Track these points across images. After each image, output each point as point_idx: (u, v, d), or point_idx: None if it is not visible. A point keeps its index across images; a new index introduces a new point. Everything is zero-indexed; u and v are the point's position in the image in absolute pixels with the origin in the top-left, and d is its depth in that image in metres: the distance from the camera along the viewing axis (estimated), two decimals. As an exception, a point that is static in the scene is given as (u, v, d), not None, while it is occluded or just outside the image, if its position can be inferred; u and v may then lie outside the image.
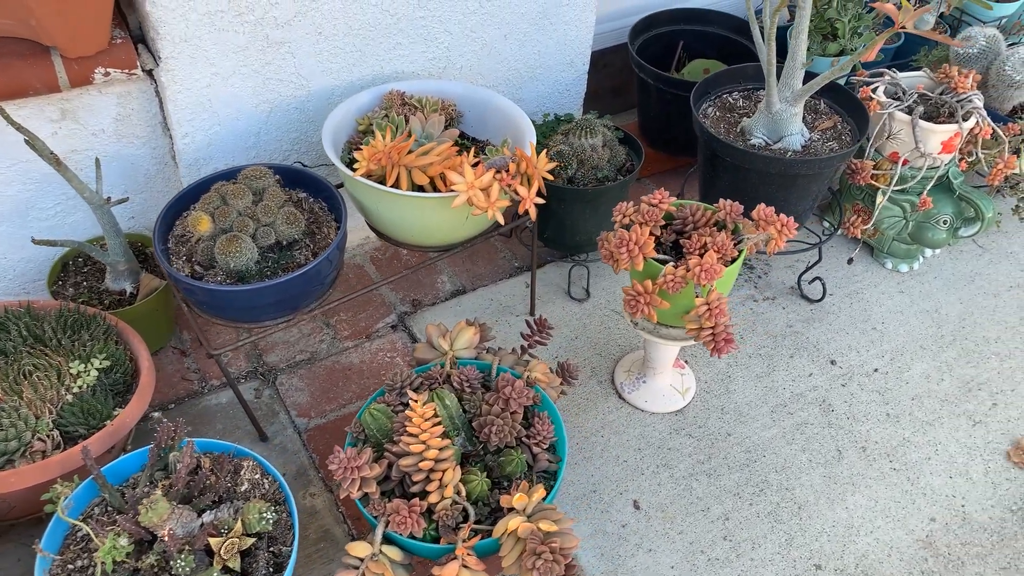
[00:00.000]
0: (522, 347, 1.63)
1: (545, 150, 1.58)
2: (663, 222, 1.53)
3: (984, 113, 1.84)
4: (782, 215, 1.46)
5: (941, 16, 2.44)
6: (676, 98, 2.05)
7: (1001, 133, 1.88)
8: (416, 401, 1.30)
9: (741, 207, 1.53)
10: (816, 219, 2.09)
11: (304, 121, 1.79)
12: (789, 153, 1.76)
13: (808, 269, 1.97)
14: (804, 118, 1.87)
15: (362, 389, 1.76)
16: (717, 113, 1.88)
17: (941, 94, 1.92)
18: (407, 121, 1.65)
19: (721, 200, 1.55)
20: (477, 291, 1.97)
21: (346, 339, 1.86)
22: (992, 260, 2.08)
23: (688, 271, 1.41)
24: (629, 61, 2.18)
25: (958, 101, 1.88)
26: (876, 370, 1.82)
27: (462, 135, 1.80)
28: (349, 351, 1.83)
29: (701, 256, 1.47)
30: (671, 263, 1.47)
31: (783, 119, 1.76)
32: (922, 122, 1.82)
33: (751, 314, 1.93)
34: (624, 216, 1.52)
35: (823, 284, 1.95)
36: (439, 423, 1.31)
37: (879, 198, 1.90)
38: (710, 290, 1.42)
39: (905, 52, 2.28)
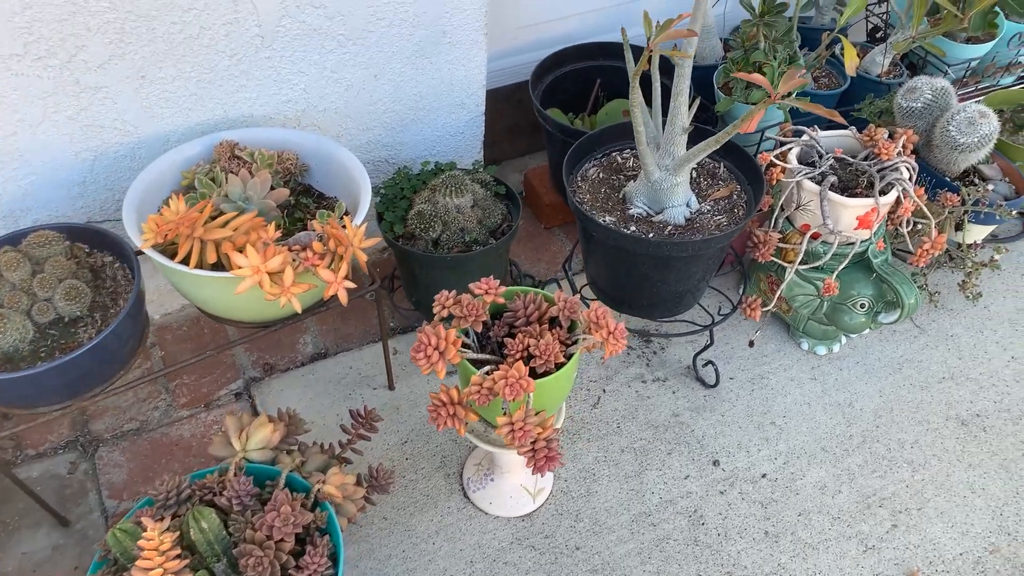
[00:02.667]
0: (340, 443, 1.45)
1: (364, 224, 1.39)
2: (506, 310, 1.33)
3: (909, 186, 1.60)
4: (611, 321, 1.25)
5: (903, 57, 2.17)
6: (574, 148, 1.83)
7: (926, 210, 1.63)
8: (150, 528, 1.13)
9: (578, 302, 1.33)
10: (734, 286, 1.87)
11: (138, 169, 1.62)
12: (669, 228, 1.54)
13: (702, 351, 1.75)
14: (699, 183, 1.64)
15: (185, 469, 1.60)
16: (601, 174, 1.66)
17: (865, 159, 1.67)
18: (227, 179, 1.47)
19: (557, 292, 1.34)
20: (339, 356, 1.79)
21: (183, 407, 1.70)
22: (928, 344, 1.83)
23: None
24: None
25: (880, 170, 1.63)
26: (764, 476, 1.60)
27: (309, 192, 1.62)
28: (182, 422, 1.67)
29: (526, 360, 1.28)
30: (488, 368, 1.27)
31: (663, 189, 1.54)
32: (831, 194, 1.58)
33: (635, 398, 1.72)
34: (444, 308, 1.32)
35: (716, 370, 1.73)
36: (179, 555, 1.14)
37: (787, 275, 1.66)
38: (520, 406, 1.22)
39: (850, 98, 2.03)
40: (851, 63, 1.88)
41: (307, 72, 1.65)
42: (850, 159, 1.66)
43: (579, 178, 1.64)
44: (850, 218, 1.60)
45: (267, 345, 1.81)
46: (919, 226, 1.76)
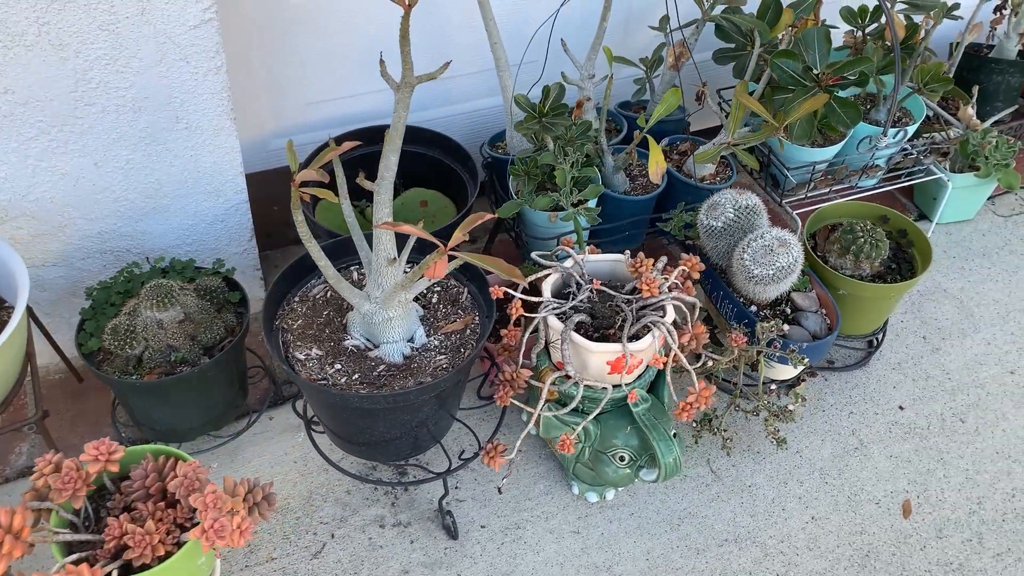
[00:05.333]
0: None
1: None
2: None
3: (670, 330, 1.37)
4: (234, 507, 1.04)
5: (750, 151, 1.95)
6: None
7: (685, 363, 1.40)
8: None
9: (203, 478, 1.12)
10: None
11: None
12: (381, 367, 1.33)
13: (444, 496, 1.53)
14: (438, 311, 1.43)
15: None
16: (330, 294, 1.45)
17: (632, 292, 1.45)
18: None
19: (184, 464, 1.13)
20: (49, 473, 1.58)
21: None
22: (721, 495, 1.61)
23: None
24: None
25: (641, 308, 1.42)
26: (484, 658, 1.38)
27: (-14, 298, 1.42)
28: None
29: (116, 555, 1.07)
30: (77, 557, 1.06)
31: (376, 323, 1.33)
32: (574, 336, 1.37)
33: (367, 547, 1.50)
34: (42, 476, 1.12)
35: (453, 523, 1.51)
36: None
37: (531, 417, 1.44)
38: (87, 615, 1.01)
39: (668, 203, 1.81)
40: (654, 168, 1.67)
41: (5, 160, 1.45)
42: (611, 292, 1.44)
43: (298, 300, 1.43)
44: (599, 362, 1.38)
45: (-27, 455, 1.61)
46: (709, 363, 1.54)
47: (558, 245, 1.73)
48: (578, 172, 1.65)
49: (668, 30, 1.85)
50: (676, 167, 1.84)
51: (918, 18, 1.91)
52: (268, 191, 1.87)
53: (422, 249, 1.45)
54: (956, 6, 1.86)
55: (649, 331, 1.38)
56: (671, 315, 1.40)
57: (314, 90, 1.82)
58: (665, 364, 1.39)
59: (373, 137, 1.83)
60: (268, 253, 2.01)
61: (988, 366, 1.84)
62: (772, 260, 1.50)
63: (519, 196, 1.67)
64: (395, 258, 1.27)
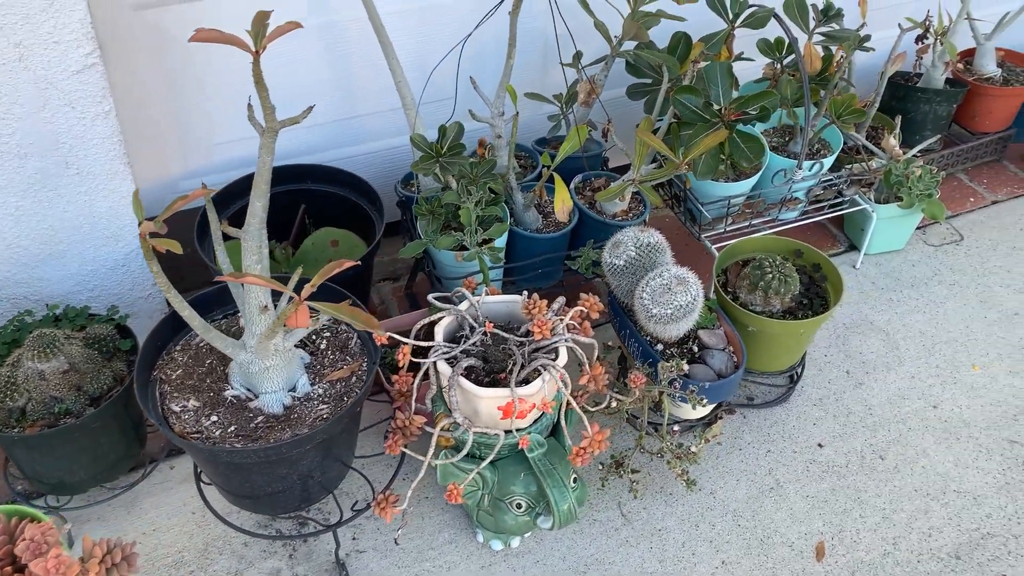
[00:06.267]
0: None
1: None
2: None
3: (559, 373, 1.34)
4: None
5: (669, 185, 1.94)
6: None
7: (576, 407, 1.37)
8: None
9: (51, 541, 1.07)
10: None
11: None
12: (260, 418, 1.29)
13: (337, 549, 1.48)
14: (326, 357, 1.40)
15: None
16: (208, 345, 1.42)
17: (527, 334, 1.42)
18: None
19: (34, 526, 1.09)
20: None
21: None
22: (630, 539, 1.57)
23: None
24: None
25: (534, 350, 1.38)
26: None
27: None
28: None
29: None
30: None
31: (253, 372, 1.29)
32: (462, 381, 1.33)
33: (259, 602, 1.45)
34: None
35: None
36: None
37: (436, 459, 1.41)
38: None
39: (582, 240, 1.78)
40: (560, 207, 1.65)
41: None
42: (504, 334, 1.40)
43: (179, 348, 1.40)
44: (490, 408, 1.35)
45: None
46: (613, 403, 1.51)
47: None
48: (482, 211, 1.62)
49: (580, 66, 1.84)
50: (589, 203, 1.81)
51: (836, 49, 1.91)
52: (177, 234, 1.83)
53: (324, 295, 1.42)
54: (867, 38, 1.85)
55: (540, 375, 1.34)
56: (564, 358, 1.37)
57: (222, 130, 1.80)
58: (551, 408, 1.36)
59: (296, 175, 1.82)
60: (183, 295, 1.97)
61: (911, 400, 1.81)
62: (670, 299, 1.47)
63: (425, 235, 1.65)
64: (266, 306, 1.24)
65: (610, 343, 1.65)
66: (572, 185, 1.83)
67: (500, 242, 1.66)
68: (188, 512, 1.57)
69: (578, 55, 1.86)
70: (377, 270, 2.05)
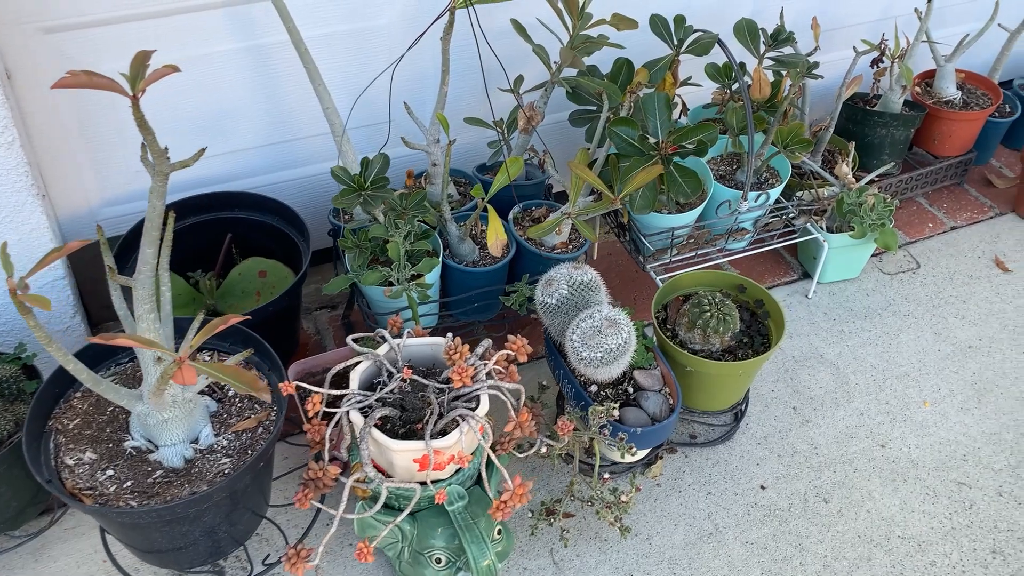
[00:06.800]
0: None
1: None
2: None
3: (479, 424, 1.28)
4: None
5: (613, 214, 1.88)
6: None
7: (494, 459, 1.31)
8: None
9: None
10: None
11: None
12: (159, 472, 1.23)
13: (249, 604, 1.42)
14: (233, 406, 1.33)
15: None
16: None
17: (447, 381, 1.36)
18: None
19: None
20: None
21: None
22: (561, 589, 1.51)
23: None
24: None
25: (454, 399, 1.32)
26: None
27: None
28: None
29: None
30: None
31: (152, 425, 1.22)
32: (375, 433, 1.27)
33: (167, 658, 1.38)
34: None
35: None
36: None
37: (352, 511, 1.34)
38: None
39: (519, 275, 1.72)
40: (493, 240, 1.59)
41: None
42: (424, 381, 1.34)
43: (79, 395, 1.33)
44: (404, 460, 1.28)
45: None
46: (543, 450, 1.45)
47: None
48: (411, 245, 1.56)
49: (519, 93, 1.78)
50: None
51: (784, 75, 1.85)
52: (100, 263, 1.76)
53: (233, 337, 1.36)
54: (816, 65, 1.79)
55: (459, 425, 1.28)
56: (485, 407, 1.31)
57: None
58: (467, 463, 1.30)
59: (225, 202, 1.75)
60: (111, 324, 1.90)
61: (859, 439, 1.76)
62: (600, 342, 1.41)
63: (351, 270, 1.58)
64: (160, 356, 1.17)
65: (544, 382, 1.59)
66: (511, 215, 1.77)
67: (431, 277, 1.60)
68: (99, 560, 1.50)
69: (518, 80, 1.80)
70: (314, 297, 1.98)
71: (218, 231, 1.75)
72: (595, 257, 2.07)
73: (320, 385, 1.32)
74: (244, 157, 1.80)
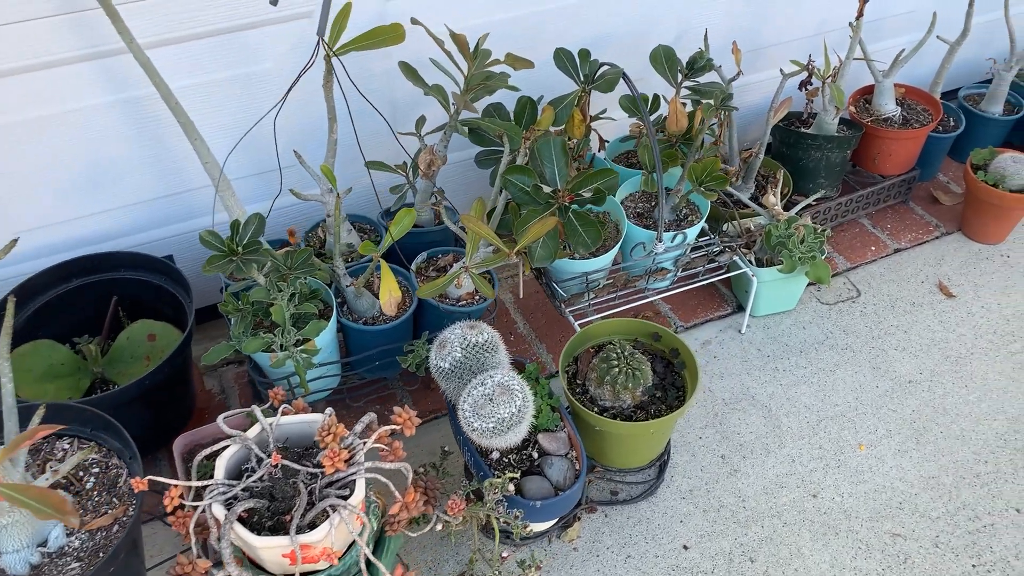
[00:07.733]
0: None
1: None
2: None
3: (346, 516, 1.18)
4: None
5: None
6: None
7: (371, 555, 1.21)
8: None
9: None
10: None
11: None
12: (0, 583, 1.13)
13: None
14: (89, 501, 1.23)
15: None
16: None
17: (319, 465, 1.26)
18: None
19: None
20: None
21: None
22: (466, 671, 1.41)
23: None
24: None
25: (327, 485, 1.23)
26: None
27: None
28: None
29: None
30: None
31: (-11, 531, 1.13)
32: (237, 527, 1.17)
33: None
34: None
35: None
36: None
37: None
38: None
39: (422, 329, 1.62)
40: (387, 298, 1.50)
41: None
42: (296, 466, 1.24)
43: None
44: (274, 556, 1.19)
45: None
46: (439, 527, 1.35)
47: (289, 387, 1.55)
48: (296, 307, 1.46)
49: (421, 134, 1.68)
50: (432, 286, 1.65)
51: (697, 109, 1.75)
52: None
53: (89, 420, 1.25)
54: (730, 96, 1.70)
55: (329, 516, 1.19)
56: (360, 493, 1.21)
57: (32, 216, 1.62)
58: (336, 559, 1.20)
59: (99, 265, 1.65)
60: None
61: (789, 489, 1.67)
62: (492, 411, 1.32)
63: (233, 336, 1.48)
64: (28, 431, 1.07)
65: (447, 447, 1.50)
66: (414, 265, 1.67)
67: (321, 340, 1.50)
68: (-30, 659, 1.40)
69: (420, 121, 1.70)
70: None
71: (105, 293, 1.65)
72: (521, 295, 1.97)
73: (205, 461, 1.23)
74: (132, 212, 1.70)
